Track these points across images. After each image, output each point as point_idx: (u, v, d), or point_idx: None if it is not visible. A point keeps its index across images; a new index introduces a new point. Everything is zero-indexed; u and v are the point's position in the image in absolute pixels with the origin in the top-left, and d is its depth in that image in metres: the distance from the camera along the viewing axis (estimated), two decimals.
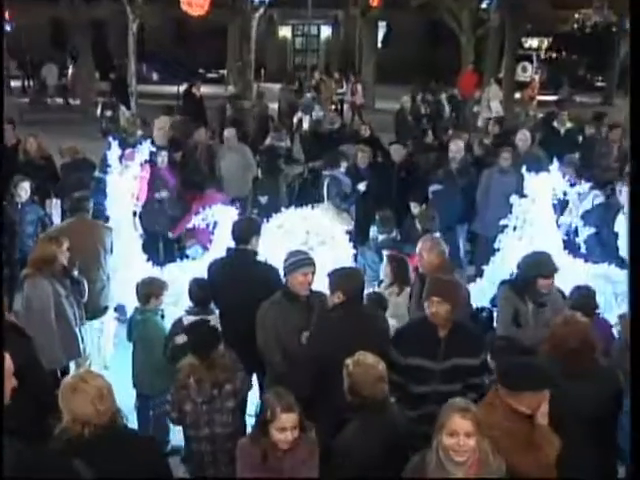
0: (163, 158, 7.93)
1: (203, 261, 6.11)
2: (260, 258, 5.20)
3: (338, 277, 4.21)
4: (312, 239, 6.14)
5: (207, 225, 6.62)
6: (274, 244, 5.73)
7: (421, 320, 4.10)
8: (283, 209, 6.58)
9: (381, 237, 6.54)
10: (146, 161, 6.10)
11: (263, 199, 8.19)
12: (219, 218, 6.40)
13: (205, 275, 5.18)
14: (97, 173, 7.75)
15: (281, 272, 4.63)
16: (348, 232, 6.58)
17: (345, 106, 20.01)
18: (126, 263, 6.15)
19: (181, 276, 5.90)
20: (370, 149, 8.89)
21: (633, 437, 2.46)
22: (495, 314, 5.05)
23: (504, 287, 4.90)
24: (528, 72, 25.12)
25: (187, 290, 5.07)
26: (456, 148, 8.11)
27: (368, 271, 6.19)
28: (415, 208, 7.37)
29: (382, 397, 3.46)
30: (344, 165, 8.34)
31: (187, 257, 6.87)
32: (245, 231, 5.09)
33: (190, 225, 6.93)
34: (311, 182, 9.40)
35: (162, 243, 7.86)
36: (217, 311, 5.10)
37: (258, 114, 13.93)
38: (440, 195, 7.78)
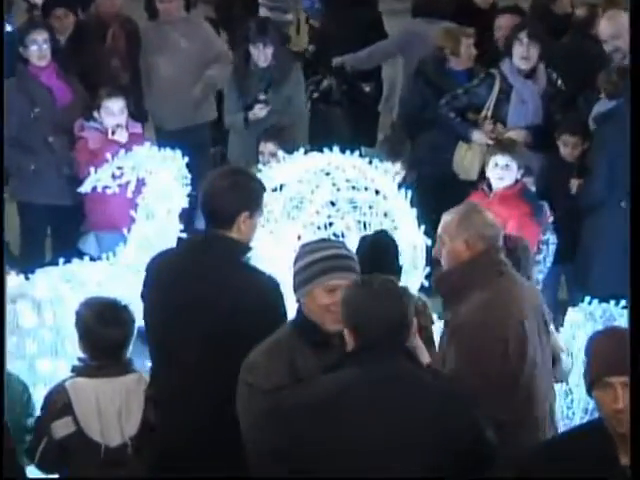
0: (40, 46, 7.99)
1: (115, 263, 6.46)
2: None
3: (346, 297, 4.26)
4: (343, 217, 6.22)
5: (123, 187, 6.68)
6: (269, 226, 5.99)
7: (585, 431, 4.15)
8: (281, 153, 6.74)
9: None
10: None
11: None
12: (147, 173, 6.54)
13: (116, 293, 5.34)
14: None
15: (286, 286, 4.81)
16: None
17: None
18: None
19: (68, 295, 6.05)
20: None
21: (633, 439, 3.83)
22: None
23: None
24: None
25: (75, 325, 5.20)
26: None
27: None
28: (566, 146, 7.71)
29: None
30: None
31: (81, 255, 6.94)
32: (231, 199, 4.94)
33: (87, 188, 7.03)
34: (339, 99, 9.65)
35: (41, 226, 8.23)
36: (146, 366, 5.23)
37: None
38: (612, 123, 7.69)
